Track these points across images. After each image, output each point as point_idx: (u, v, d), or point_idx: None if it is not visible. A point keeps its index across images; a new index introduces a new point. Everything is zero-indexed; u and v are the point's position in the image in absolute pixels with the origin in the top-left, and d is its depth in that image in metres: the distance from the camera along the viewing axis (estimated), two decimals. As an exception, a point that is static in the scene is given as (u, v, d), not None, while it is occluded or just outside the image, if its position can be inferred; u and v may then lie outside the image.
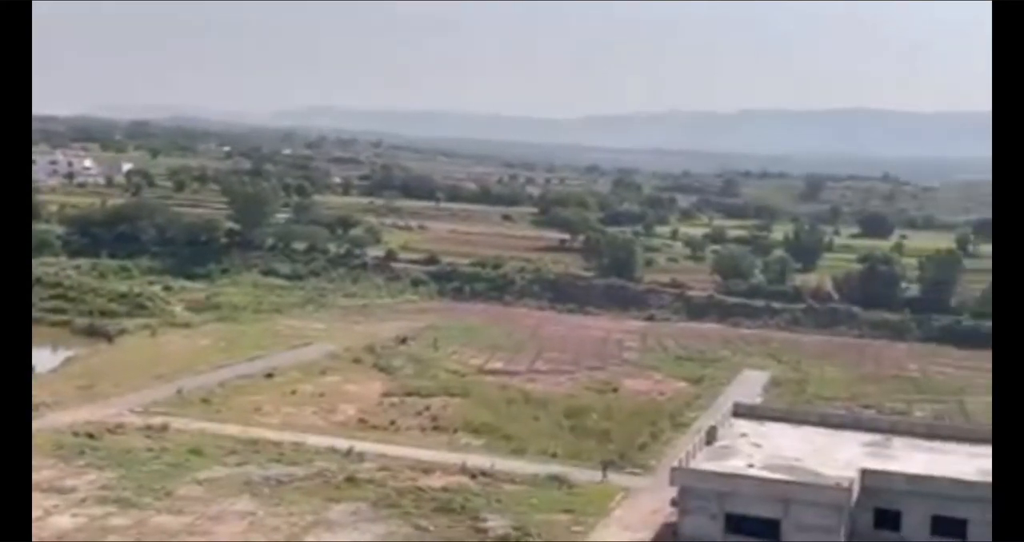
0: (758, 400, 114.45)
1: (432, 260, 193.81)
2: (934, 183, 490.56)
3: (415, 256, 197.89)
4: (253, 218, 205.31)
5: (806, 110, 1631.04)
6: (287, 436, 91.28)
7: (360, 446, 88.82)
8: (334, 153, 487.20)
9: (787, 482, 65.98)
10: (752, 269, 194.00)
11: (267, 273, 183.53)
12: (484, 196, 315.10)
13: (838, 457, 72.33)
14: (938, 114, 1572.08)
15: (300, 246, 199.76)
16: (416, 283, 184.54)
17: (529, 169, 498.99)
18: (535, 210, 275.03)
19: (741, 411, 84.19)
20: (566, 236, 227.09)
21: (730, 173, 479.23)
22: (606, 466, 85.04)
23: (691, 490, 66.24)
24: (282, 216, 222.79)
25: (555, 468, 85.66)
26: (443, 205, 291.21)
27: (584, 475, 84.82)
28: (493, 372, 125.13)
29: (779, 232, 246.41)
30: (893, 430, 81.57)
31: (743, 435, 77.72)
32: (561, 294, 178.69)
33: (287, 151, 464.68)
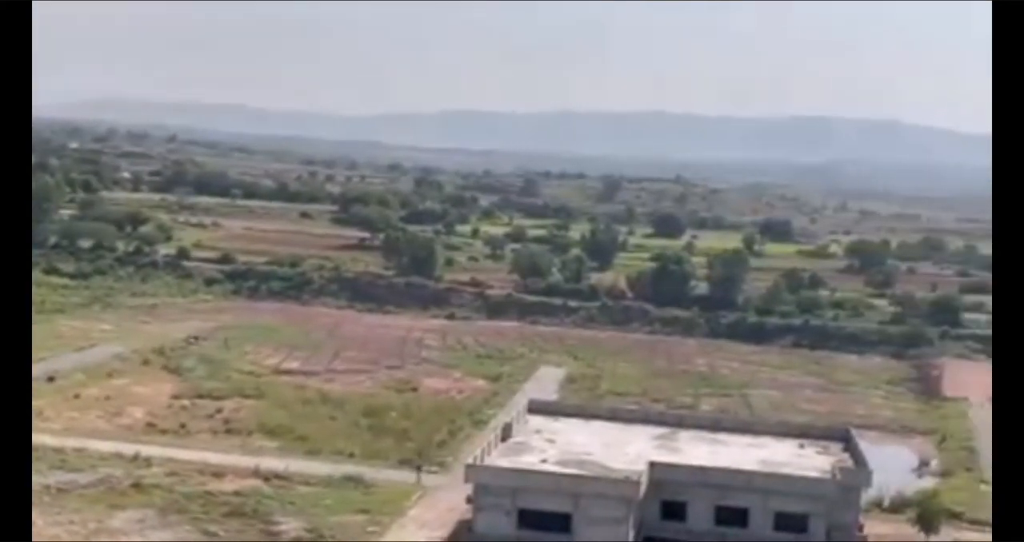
0: (554, 396, 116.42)
1: (227, 258, 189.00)
2: (722, 185, 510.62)
3: (209, 254, 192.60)
4: (34, 214, 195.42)
5: (605, 112, 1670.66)
6: (70, 442, 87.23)
7: (147, 451, 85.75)
8: (124, 147, 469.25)
9: (577, 477, 67.20)
10: (550, 268, 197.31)
11: (49, 271, 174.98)
12: (282, 193, 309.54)
13: (628, 451, 74.10)
14: (722, 118, 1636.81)
15: (86, 244, 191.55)
16: (210, 282, 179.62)
17: (329, 166, 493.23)
18: (335, 208, 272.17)
19: (536, 407, 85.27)
20: (366, 234, 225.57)
21: (530, 173, 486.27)
22: (419, 467, 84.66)
23: (485, 487, 66.65)
24: (66, 212, 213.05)
25: (352, 468, 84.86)
26: (239, 202, 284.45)
27: (381, 474, 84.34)
28: (289, 372, 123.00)
29: (577, 232, 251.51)
30: (681, 424, 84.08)
31: (537, 431, 78.72)
32: (360, 293, 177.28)
33: (74, 145, 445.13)
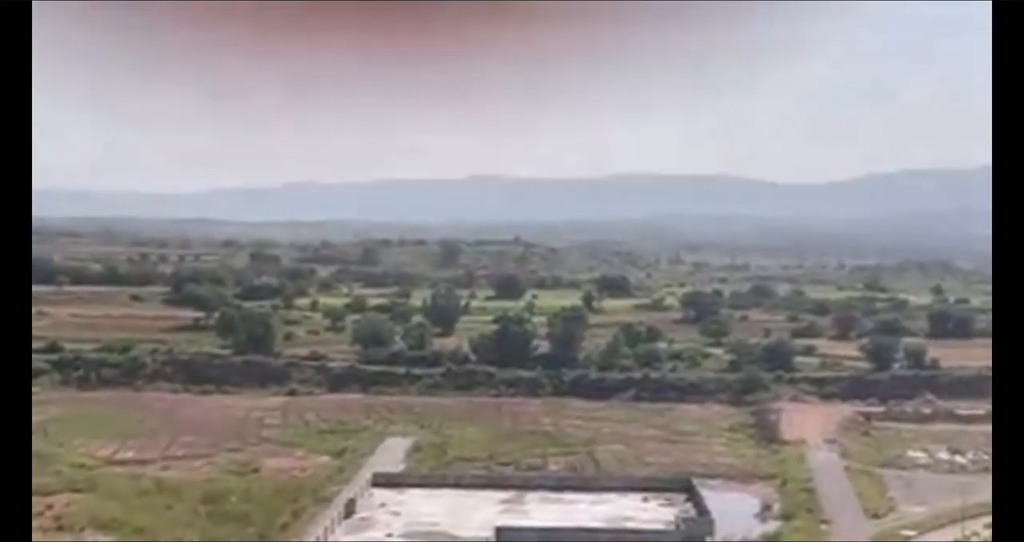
0: (401, 467, 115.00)
1: (53, 348, 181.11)
2: (560, 244, 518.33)
3: (34, 345, 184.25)
4: None
5: (436, 179, 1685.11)
6: None
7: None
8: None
9: (424, 550, 66.21)
10: (393, 336, 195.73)
11: None
12: (111, 277, 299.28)
13: (475, 518, 73.57)
14: (551, 181, 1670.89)
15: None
16: (36, 374, 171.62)
17: (161, 246, 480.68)
18: (167, 289, 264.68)
19: (381, 481, 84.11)
20: (201, 314, 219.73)
21: (369, 242, 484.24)
22: None
23: (329, 567, 64.96)
24: None
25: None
26: (66, 289, 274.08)
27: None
28: (123, 462, 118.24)
29: (418, 298, 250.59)
30: (527, 486, 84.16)
31: (382, 505, 77.50)
32: (196, 375, 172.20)
33: None
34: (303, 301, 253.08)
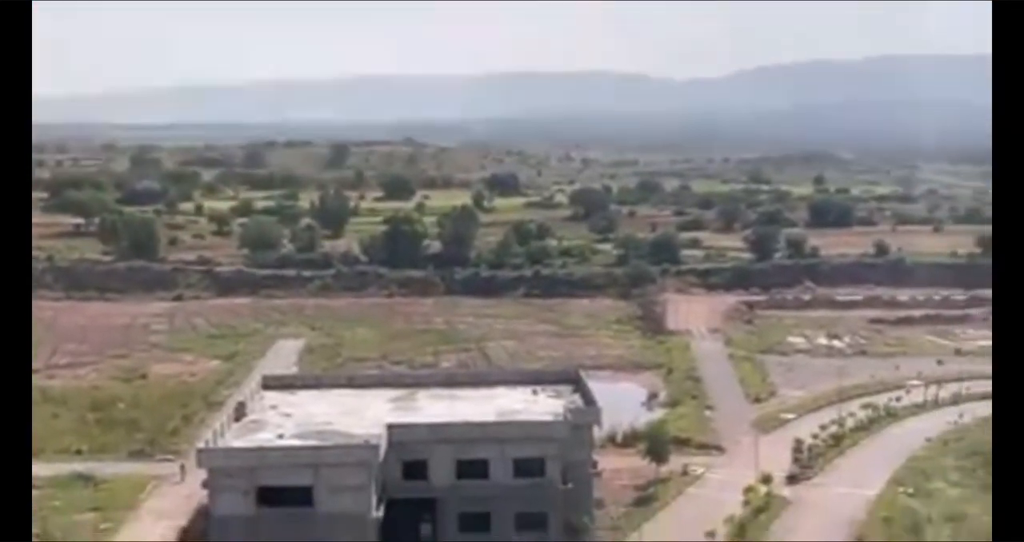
0: (294, 369, 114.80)
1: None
2: (450, 143, 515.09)
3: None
4: None
5: (322, 79, 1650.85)
6: None
7: None
8: None
9: (315, 448, 66.38)
10: (281, 239, 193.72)
11: None
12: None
13: (367, 416, 73.78)
14: (437, 76, 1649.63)
15: None
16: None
17: (38, 151, 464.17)
18: (45, 195, 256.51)
19: (271, 383, 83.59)
20: (81, 220, 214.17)
21: (254, 144, 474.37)
22: (183, 467, 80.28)
23: (220, 469, 64.76)
24: None
25: (80, 466, 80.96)
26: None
27: (113, 469, 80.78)
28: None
29: (306, 200, 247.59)
30: (418, 383, 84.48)
31: (273, 407, 77.20)
32: (79, 282, 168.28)
33: None
34: (187, 205, 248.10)
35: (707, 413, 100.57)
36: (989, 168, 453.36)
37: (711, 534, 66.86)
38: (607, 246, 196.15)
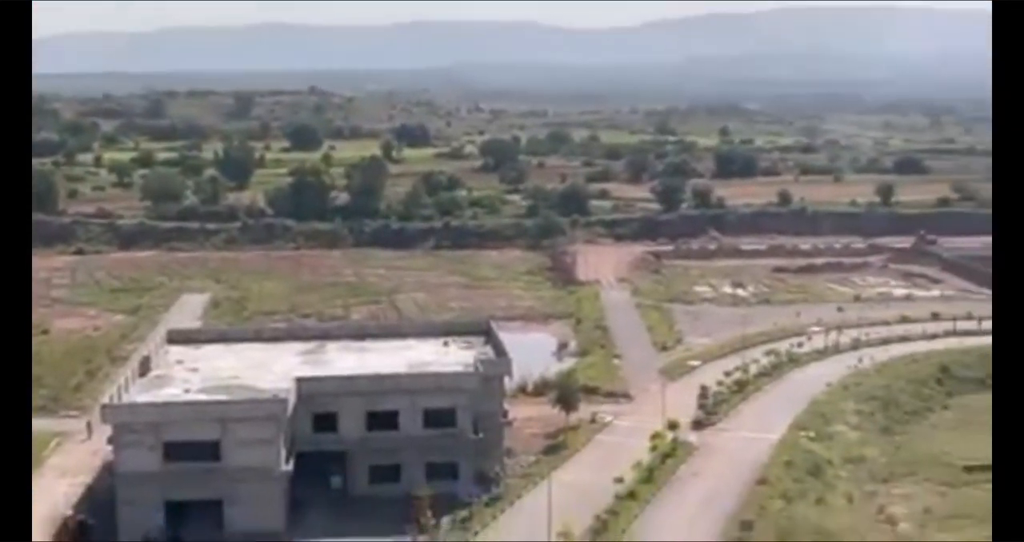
0: (199, 323, 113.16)
1: None
2: (357, 93, 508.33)
3: None
4: None
5: (223, 27, 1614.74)
6: None
7: None
8: None
9: (221, 402, 65.70)
10: (184, 191, 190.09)
11: None
12: None
13: (275, 370, 73.19)
14: (345, 27, 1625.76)
15: None
16: None
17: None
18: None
19: (177, 337, 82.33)
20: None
21: (155, 94, 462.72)
22: (90, 424, 77.95)
23: (125, 425, 63.77)
24: None
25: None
26: None
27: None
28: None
29: (209, 151, 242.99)
30: (327, 336, 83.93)
31: (179, 361, 76.13)
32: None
33: None
34: (86, 157, 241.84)
35: (616, 361, 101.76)
36: (890, 118, 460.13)
37: (619, 479, 67.90)
38: (517, 197, 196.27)
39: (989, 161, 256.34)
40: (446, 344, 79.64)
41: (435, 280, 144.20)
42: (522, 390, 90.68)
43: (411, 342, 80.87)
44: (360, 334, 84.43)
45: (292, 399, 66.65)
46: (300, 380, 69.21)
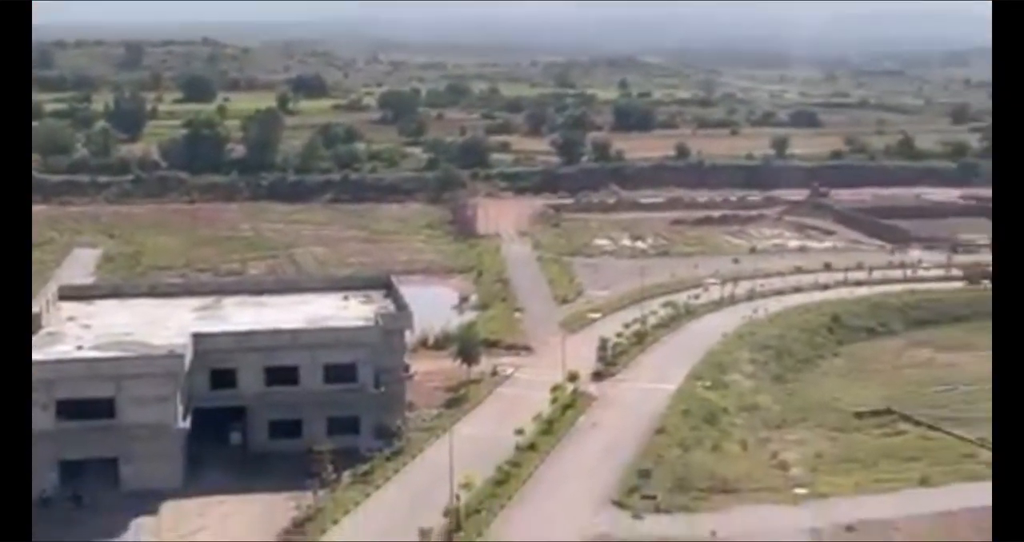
0: (91, 279, 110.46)
1: None
2: (253, 44, 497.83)
3: None
4: None
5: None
6: None
7: None
8: None
9: (116, 359, 64.43)
10: (74, 144, 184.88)
11: None
12: None
13: (170, 325, 71.92)
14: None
15: None
16: None
17: None
18: None
19: (68, 293, 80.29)
20: None
21: (43, 44, 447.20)
22: None
23: (16, 384, 62.21)
24: None
25: None
26: None
27: None
28: None
29: (100, 103, 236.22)
30: (224, 291, 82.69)
31: (71, 318, 74.33)
32: None
33: None
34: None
35: (516, 315, 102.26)
36: (786, 72, 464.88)
37: (520, 431, 68.47)
38: (416, 150, 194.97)
39: (880, 114, 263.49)
40: (346, 298, 79.09)
41: (334, 234, 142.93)
42: (423, 344, 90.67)
43: (310, 297, 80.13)
44: (258, 289, 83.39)
45: (189, 355, 65.66)
46: (197, 336, 68.14)
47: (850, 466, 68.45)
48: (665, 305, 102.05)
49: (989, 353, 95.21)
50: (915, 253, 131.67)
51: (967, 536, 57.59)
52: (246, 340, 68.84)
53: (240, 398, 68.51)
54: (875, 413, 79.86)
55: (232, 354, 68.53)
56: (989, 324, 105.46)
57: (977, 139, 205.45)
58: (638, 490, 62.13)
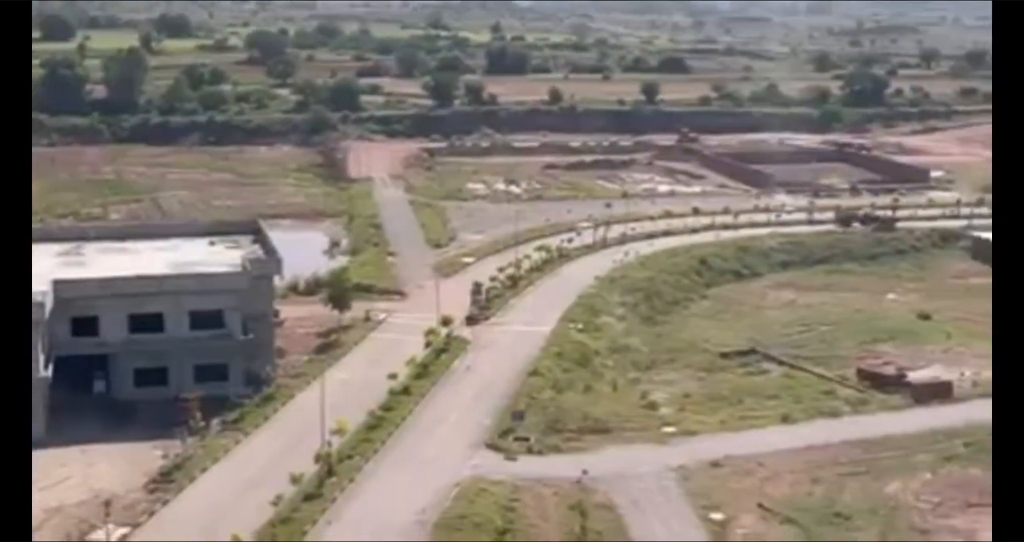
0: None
1: None
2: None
3: None
4: None
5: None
6: None
7: None
8: None
9: (-30, 307, 61.92)
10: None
11: None
12: None
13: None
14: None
15: None
16: None
17: None
18: None
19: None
20: None
21: None
22: None
23: None
24: None
25: None
26: None
27: None
28: None
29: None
30: (85, 237, 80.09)
31: (-80, 265, 71.09)
32: None
33: None
34: None
35: (389, 259, 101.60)
36: (656, 18, 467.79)
37: (394, 376, 68.27)
38: (285, 92, 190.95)
39: (747, 61, 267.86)
40: (212, 244, 77.45)
41: (200, 177, 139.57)
42: (293, 290, 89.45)
43: (176, 242, 78.23)
44: (121, 234, 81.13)
45: (49, 303, 63.45)
46: (57, 283, 65.85)
47: (716, 405, 70.23)
48: (539, 249, 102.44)
49: (848, 294, 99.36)
50: (779, 197, 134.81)
51: (825, 468, 59.78)
52: (109, 287, 66.89)
53: (103, 346, 66.74)
54: (740, 353, 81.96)
55: (94, 301, 66.59)
56: (848, 266, 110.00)
57: (838, 86, 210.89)
58: (511, 432, 62.70)
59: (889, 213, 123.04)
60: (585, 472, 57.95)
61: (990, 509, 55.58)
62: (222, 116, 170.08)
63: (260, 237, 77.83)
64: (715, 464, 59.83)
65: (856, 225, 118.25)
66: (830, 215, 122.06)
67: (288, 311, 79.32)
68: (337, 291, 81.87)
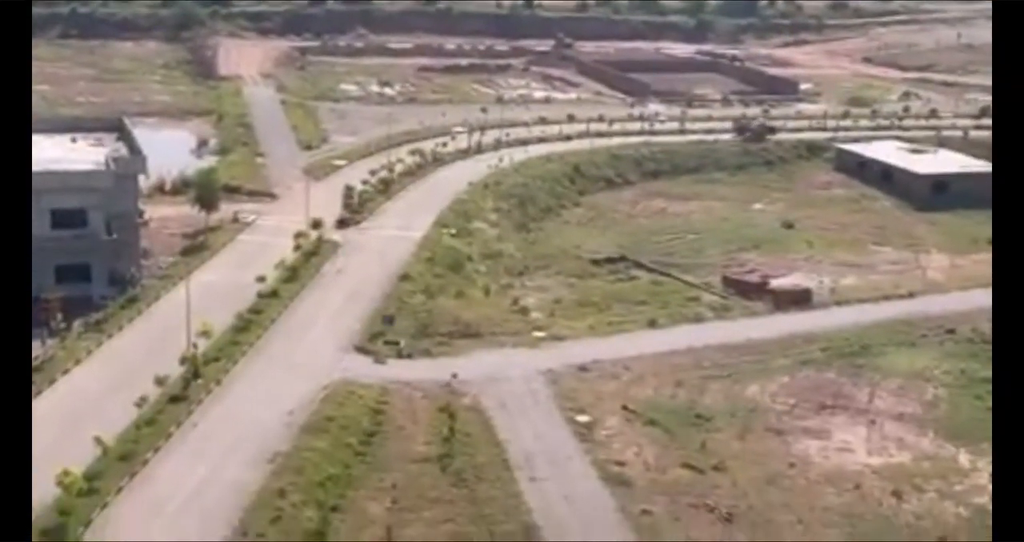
0: None
1: None
2: None
3: None
4: None
5: None
6: None
7: None
8: None
9: None
10: None
11: None
12: None
13: None
14: None
15: None
16: None
17: None
18: None
19: None
20: None
21: None
22: None
23: None
24: None
25: None
26: None
27: None
28: None
29: None
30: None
31: None
32: None
33: None
34: None
35: (258, 160, 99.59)
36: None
37: (262, 278, 67.40)
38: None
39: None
40: (74, 141, 74.71)
41: (62, 72, 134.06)
42: (159, 189, 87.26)
43: (36, 139, 74.96)
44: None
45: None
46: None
47: (585, 310, 71.38)
48: (412, 153, 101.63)
49: (717, 203, 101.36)
50: (653, 106, 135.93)
51: (688, 372, 61.56)
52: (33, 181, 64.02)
53: (-44, 246, 64.10)
54: (610, 260, 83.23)
55: None
56: (718, 176, 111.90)
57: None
58: (381, 336, 62.72)
59: (781, 124, 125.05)
60: (455, 375, 58.52)
61: (843, 411, 58.92)
62: (85, 8, 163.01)
63: (124, 135, 75.39)
64: (583, 368, 61.00)
65: (748, 134, 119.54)
66: (701, 126, 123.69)
67: (154, 211, 77.21)
68: (205, 191, 79.97)
